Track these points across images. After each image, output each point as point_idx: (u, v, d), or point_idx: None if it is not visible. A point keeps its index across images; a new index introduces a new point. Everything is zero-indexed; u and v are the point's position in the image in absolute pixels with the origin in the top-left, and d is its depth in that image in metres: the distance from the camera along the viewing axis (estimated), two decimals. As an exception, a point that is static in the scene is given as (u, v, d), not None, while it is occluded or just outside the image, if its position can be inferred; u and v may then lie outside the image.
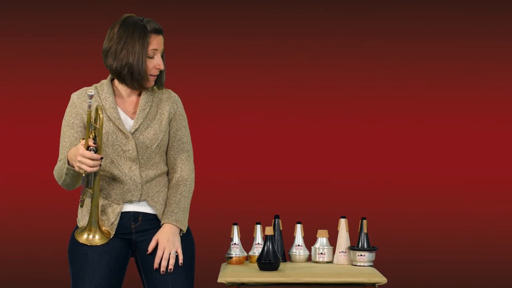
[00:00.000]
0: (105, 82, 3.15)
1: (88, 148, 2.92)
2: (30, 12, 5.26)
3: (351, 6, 5.31)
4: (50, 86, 5.26)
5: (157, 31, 3.09)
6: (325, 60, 5.32)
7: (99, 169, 2.99)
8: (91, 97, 2.89)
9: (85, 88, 3.16)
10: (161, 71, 3.16)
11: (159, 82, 3.19)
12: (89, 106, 2.91)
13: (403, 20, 5.32)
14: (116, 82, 3.15)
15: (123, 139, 3.08)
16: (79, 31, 5.23)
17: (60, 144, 3.13)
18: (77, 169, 2.94)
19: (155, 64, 3.09)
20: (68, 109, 3.14)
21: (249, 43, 5.31)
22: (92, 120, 2.98)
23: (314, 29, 5.31)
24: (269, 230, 3.26)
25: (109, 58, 3.08)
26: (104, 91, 3.13)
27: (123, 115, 3.12)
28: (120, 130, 3.08)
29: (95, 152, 2.92)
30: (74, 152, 2.94)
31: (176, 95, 3.24)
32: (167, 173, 3.22)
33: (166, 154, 3.22)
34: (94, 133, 2.95)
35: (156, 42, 3.09)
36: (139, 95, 3.18)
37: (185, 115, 3.25)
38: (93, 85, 3.18)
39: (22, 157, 5.22)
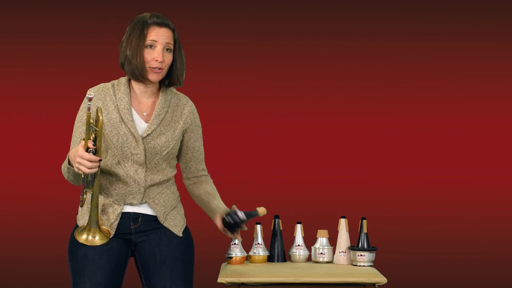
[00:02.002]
0: (122, 82, 3.14)
1: (87, 149, 2.92)
2: (33, 11, 5.26)
3: (351, 6, 5.31)
4: (50, 86, 5.26)
5: (159, 24, 3.08)
6: (324, 59, 5.32)
7: (99, 170, 2.98)
8: (90, 99, 2.88)
9: (102, 84, 3.15)
10: (172, 69, 3.13)
11: (175, 79, 3.14)
12: (89, 109, 2.90)
13: (403, 20, 5.32)
14: (132, 81, 3.15)
15: (133, 142, 3.08)
16: (82, 30, 5.23)
17: (71, 139, 3.13)
18: (76, 169, 2.94)
19: (154, 56, 3.07)
20: (82, 105, 3.14)
21: (249, 43, 5.31)
22: (93, 121, 2.97)
23: (315, 29, 5.31)
24: (262, 211, 3.20)
25: (119, 53, 3.12)
26: (121, 91, 3.12)
27: (136, 117, 3.11)
28: (132, 133, 3.07)
29: (94, 154, 2.92)
30: (74, 153, 2.94)
31: (193, 104, 3.23)
32: (173, 176, 3.22)
33: (182, 162, 3.24)
34: (95, 134, 2.94)
35: (155, 33, 3.07)
36: (156, 97, 3.16)
37: (200, 124, 3.25)
38: (111, 81, 3.16)
39: (22, 157, 5.22)
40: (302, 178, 5.27)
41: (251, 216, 3.14)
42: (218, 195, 3.31)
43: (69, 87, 5.19)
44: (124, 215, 3.13)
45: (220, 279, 3.22)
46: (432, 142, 5.30)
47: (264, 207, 3.14)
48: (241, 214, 3.13)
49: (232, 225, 3.14)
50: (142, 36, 3.05)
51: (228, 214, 3.14)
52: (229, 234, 3.19)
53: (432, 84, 5.32)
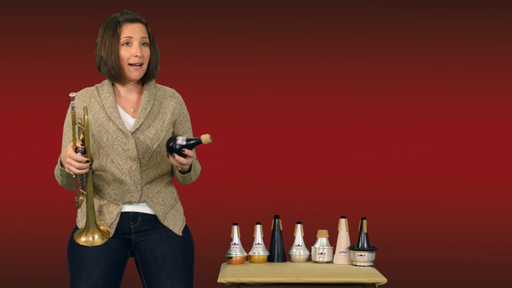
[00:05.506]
0: (106, 82, 3.16)
1: (76, 149, 2.93)
2: (33, 11, 5.26)
3: (351, 6, 5.31)
4: (50, 86, 5.26)
5: (131, 20, 3.08)
6: (324, 59, 5.32)
7: (91, 171, 3.00)
8: (72, 98, 2.91)
9: (86, 88, 3.17)
10: (150, 63, 3.13)
11: (149, 73, 3.15)
12: (73, 108, 2.92)
13: (403, 20, 5.32)
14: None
15: (123, 138, 3.08)
16: (82, 30, 5.23)
17: (61, 145, 3.15)
18: (66, 170, 2.96)
19: (132, 52, 3.07)
20: (68, 110, 3.16)
21: (249, 43, 5.31)
22: (81, 121, 2.99)
23: (315, 29, 5.31)
24: (206, 138, 3.01)
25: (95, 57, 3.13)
26: (105, 90, 3.13)
27: (123, 114, 3.12)
28: (120, 130, 3.08)
29: (83, 153, 2.94)
30: (64, 154, 2.96)
31: (180, 96, 3.23)
32: (169, 173, 3.22)
33: None
34: (83, 134, 2.97)
35: (130, 30, 3.07)
36: (141, 93, 3.17)
37: (188, 116, 3.25)
38: (95, 85, 3.18)
39: (22, 157, 5.23)
40: (302, 178, 5.27)
41: (193, 143, 2.99)
42: (197, 163, 3.22)
43: (69, 87, 5.17)
44: (124, 215, 3.13)
45: (220, 279, 3.22)
46: (432, 142, 5.30)
47: (210, 135, 2.98)
48: (180, 141, 3.00)
49: (172, 149, 3.00)
50: (116, 35, 3.06)
51: (170, 139, 3.01)
52: (172, 160, 3.04)
53: (432, 84, 5.32)
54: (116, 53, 3.06)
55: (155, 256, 3.12)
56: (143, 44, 3.09)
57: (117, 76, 3.09)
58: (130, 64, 3.07)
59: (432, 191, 5.28)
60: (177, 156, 3.00)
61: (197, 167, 3.24)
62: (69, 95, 2.91)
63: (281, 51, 5.31)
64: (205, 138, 2.97)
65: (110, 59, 3.06)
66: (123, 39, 3.06)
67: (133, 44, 3.07)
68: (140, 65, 3.08)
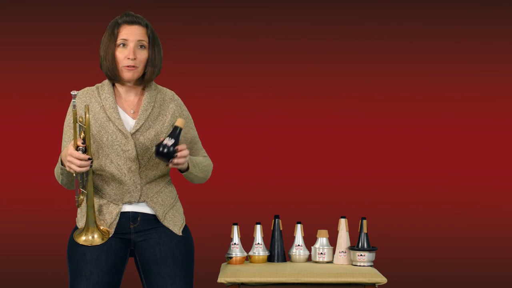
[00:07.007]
0: (106, 82, 3.16)
1: (77, 148, 2.94)
2: (34, 11, 5.26)
3: (351, 6, 5.31)
4: (50, 86, 5.26)
5: (129, 22, 3.09)
6: (325, 59, 5.32)
7: (91, 170, 3.00)
8: (74, 96, 2.91)
9: (87, 88, 3.17)
10: (147, 66, 3.13)
11: (147, 75, 3.14)
12: (74, 106, 2.92)
13: (403, 20, 5.32)
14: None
15: (122, 139, 3.09)
16: (82, 30, 5.23)
17: (61, 144, 3.15)
18: (67, 169, 2.96)
19: (126, 54, 3.08)
20: (69, 109, 3.16)
21: (249, 43, 5.31)
22: (82, 120, 3.00)
23: (314, 29, 5.31)
24: (181, 121, 3.08)
25: None
26: (105, 91, 3.13)
27: (123, 115, 3.13)
28: (120, 131, 3.08)
29: (84, 152, 2.94)
30: (65, 152, 2.96)
31: (179, 98, 3.24)
32: (169, 173, 3.22)
33: None
34: (83, 132, 2.97)
35: (126, 32, 3.08)
36: (141, 95, 3.17)
37: (190, 117, 3.25)
38: (95, 85, 3.18)
39: (22, 157, 5.22)
40: (302, 178, 5.27)
41: (177, 134, 3.01)
42: (201, 158, 3.23)
43: (69, 87, 5.17)
44: (123, 215, 3.13)
45: (220, 279, 3.22)
46: (432, 142, 5.30)
47: (181, 119, 3.02)
48: (167, 141, 2.99)
49: (168, 154, 2.99)
50: (113, 36, 3.08)
51: (158, 147, 2.99)
52: (171, 165, 3.06)
53: (432, 84, 5.32)
54: (111, 54, 3.07)
55: (154, 256, 3.12)
56: (140, 46, 3.09)
57: (113, 76, 3.10)
58: (123, 66, 3.08)
59: (432, 191, 5.28)
60: (175, 160, 2.99)
61: (204, 162, 3.23)
62: (71, 93, 2.91)
63: (281, 51, 5.31)
64: (180, 121, 3.01)
65: (106, 59, 3.08)
66: (119, 40, 3.08)
67: (128, 46, 3.08)
68: (133, 67, 3.08)
